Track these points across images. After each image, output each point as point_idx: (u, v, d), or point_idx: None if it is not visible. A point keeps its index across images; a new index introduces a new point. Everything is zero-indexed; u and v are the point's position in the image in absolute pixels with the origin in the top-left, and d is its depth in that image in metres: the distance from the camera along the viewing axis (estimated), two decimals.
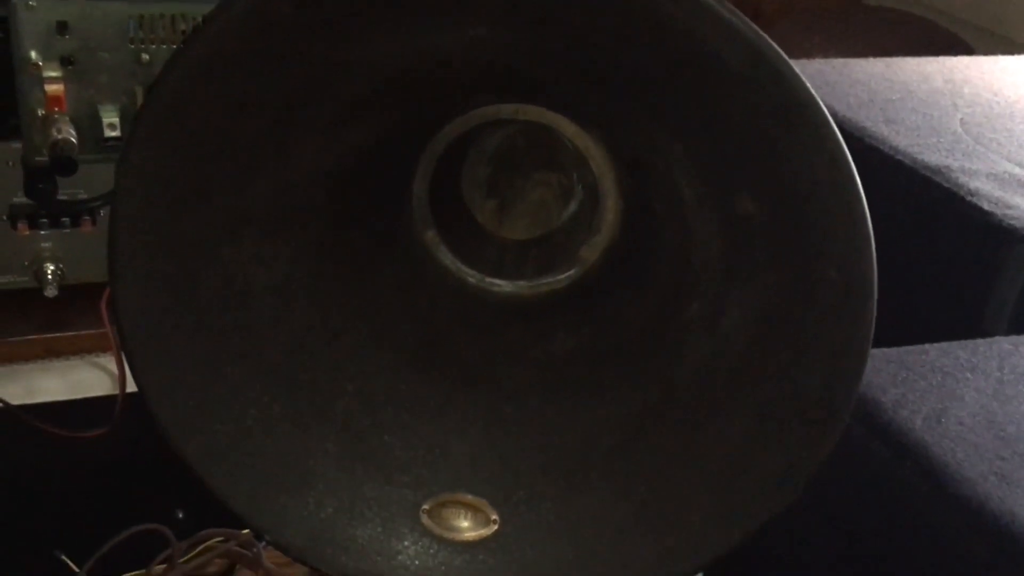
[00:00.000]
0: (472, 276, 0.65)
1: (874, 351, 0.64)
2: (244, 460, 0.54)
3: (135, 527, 0.67)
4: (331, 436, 0.57)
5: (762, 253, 0.50)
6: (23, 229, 0.71)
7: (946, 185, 0.87)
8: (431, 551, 0.57)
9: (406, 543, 0.57)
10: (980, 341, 0.67)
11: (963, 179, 0.87)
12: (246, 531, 0.71)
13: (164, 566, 0.71)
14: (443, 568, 0.57)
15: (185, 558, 0.72)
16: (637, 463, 0.56)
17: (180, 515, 0.76)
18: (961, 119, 1.04)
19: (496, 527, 0.58)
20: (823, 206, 0.45)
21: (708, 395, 0.54)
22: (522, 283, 0.65)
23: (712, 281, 0.54)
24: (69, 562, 0.67)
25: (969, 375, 0.62)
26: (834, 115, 0.43)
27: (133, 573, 0.72)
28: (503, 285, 0.65)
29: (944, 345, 0.65)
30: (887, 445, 0.54)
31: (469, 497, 0.58)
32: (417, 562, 0.56)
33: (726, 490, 0.53)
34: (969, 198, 0.84)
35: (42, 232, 0.71)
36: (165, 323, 0.52)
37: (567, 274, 0.65)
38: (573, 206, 0.68)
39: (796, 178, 0.45)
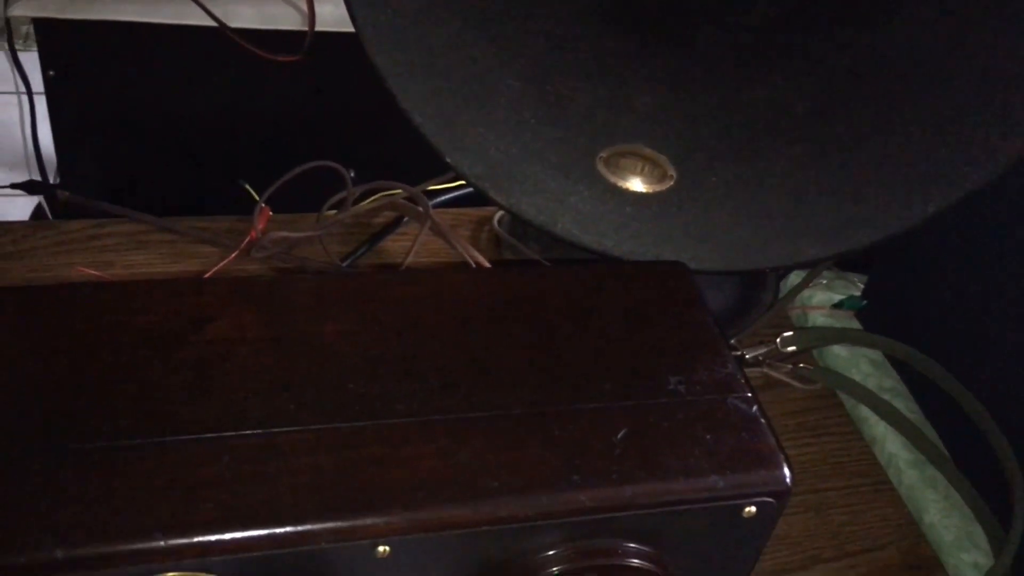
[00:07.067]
0: None
1: None
2: (434, 79, 0.54)
3: (314, 162, 0.70)
4: (519, 70, 0.57)
5: None
6: None
7: None
8: (604, 196, 0.57)
9: (580, 186, 0.57)
10: None
11: None
12: (418, 186, 0.72)
13: (335, 212, 0.73)
14: (613, 215, 0.57)
15: (357, 205, 0.74)
16: (831, 131, 0.54)
17: (352, 174, 0.78)
18: None
19: (672, 183, 0.57)
20: None
21: (924, 60, 0.51)
22: None
23: None
24: (251, 190, 0.71)
25: None
26: None
27: (307, 213, 0.75)
28: None
29: None
30: None
31: (648, 150, 0.58)
32: (588, 206, 0.57)
33: (926, 161, 0.51)
34: None
35: None
36: None
37: None
38: None
39: None
